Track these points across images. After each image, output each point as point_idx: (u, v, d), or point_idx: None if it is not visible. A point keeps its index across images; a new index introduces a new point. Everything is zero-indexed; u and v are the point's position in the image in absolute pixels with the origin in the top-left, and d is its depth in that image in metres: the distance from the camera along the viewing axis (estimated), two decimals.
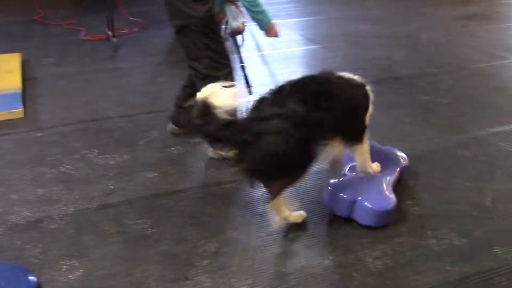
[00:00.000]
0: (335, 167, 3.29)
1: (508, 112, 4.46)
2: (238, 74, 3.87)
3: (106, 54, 6.09)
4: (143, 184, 3.40)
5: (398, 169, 3.23)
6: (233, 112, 2.58)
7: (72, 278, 2.59)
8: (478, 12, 7.99)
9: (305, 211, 3.05)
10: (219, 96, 2.52)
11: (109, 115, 4.43)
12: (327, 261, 2.69)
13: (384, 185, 3.03)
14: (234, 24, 3.76)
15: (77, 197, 3.26)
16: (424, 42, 6.50)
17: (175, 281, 2.57)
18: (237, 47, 3.78)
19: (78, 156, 3.75)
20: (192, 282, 2.56)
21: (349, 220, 2.98)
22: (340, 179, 3.13)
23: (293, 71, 5.10)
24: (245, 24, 3.85)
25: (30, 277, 2.45)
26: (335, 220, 3.01)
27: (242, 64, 3.72)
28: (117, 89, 5.01)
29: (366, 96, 2.98)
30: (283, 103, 2.65)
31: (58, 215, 3.08)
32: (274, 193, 2.80)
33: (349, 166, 3.27)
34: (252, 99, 2.82)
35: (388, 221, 2.94)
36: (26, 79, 5.16)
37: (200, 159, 3.71)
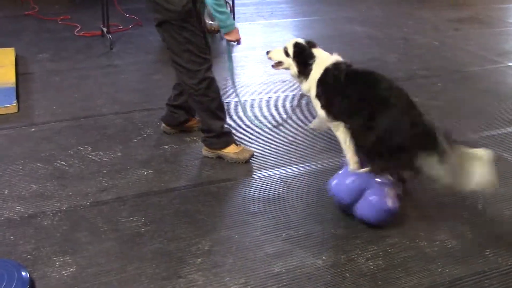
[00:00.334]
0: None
1: (499, 116, 4.49)
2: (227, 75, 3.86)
3: (101, 50, 6.07)
4: (137, 182, 3.40)
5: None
6: None
7: (65, 274, 2.59)
8: (471, 16, 8.05)
9: (299, 212, 3.07)
10: None
11: (103, 112, 4.42)
12: (320, 261, 2.71)
13: (391, 186, 2.97)
14: (209, 23, 3.73)
15: (71, 193, 3.26)
16: (417, 45, 6.54)
17: (168, 279, 2.58)
18: (230, 49, 3.75)
19: (72, 152, 3.74)
20: (185, 280, 2.57)
21: (342, 221, 3.00)
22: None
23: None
24: None
25: (23, 273, 2.44)
26: (328, 221, 3.03)
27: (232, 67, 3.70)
28: (112, 86, 5.00)
29: None
30: None
31: (52, 211, 3.08)
32: None
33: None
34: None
35: (388, 221, 2.95)
36: (20, 74, 5.14)
37: (194, 157, 3.72)
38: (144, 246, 2.81)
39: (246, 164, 3.63)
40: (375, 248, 2.82)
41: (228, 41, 3.51)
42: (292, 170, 3.59)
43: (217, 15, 3.32)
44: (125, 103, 4.61)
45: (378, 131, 2.88)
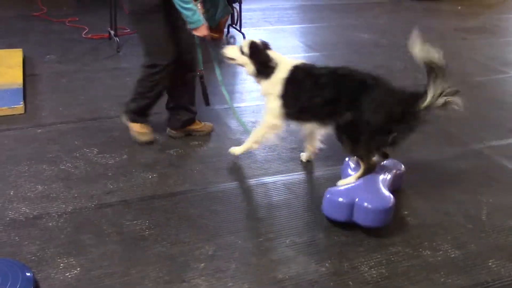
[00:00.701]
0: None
1: (506, 126, 4.50)
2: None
3: (108, 53, 6.10)
4: (141, 185, 3.42)
5: (394, 171, 3.26)
6: None
7: (69, 276, 2.60)
8: (478, 25, 8.05)
9: (303, 219, 3.08)
10: None
11: (110, 114, 4.44)
12: (323, 269, 2.71)
13: (381, 185, 3.06)
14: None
15: (76, 195, 3.28)
16: None
17: (171, 282, 2.58)
18: (216, 55, 3.76)
19: (77, 154, 3.76)
20: (188, 284, 2.58)
21: (345, 228, 3.00)
22: (337, 187, 3.17)
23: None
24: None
25: (28, 274, 2.46)
26: (331, 228, 3.03)
27: (202, 75, 3.79)
28: (118, 88, 5.01)
29: None
30: None
31: (57, 213, 3.09)
32: None
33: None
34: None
35: (388, 220, 2.96)
36: (27, 75, 5.16)
37: (199, 161, 3.73)
38: (148, 249, 2.82)
39: (250, 170, 3.64)
40: (379, 256, 2.82)
41: (197, 37, 3.61)
42: (296, 176, 3.60)
43: (183, 11, 3.40)
44: None
45: (360, 117, 3.11)
